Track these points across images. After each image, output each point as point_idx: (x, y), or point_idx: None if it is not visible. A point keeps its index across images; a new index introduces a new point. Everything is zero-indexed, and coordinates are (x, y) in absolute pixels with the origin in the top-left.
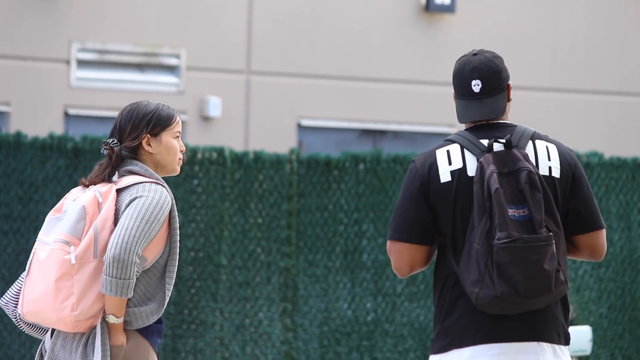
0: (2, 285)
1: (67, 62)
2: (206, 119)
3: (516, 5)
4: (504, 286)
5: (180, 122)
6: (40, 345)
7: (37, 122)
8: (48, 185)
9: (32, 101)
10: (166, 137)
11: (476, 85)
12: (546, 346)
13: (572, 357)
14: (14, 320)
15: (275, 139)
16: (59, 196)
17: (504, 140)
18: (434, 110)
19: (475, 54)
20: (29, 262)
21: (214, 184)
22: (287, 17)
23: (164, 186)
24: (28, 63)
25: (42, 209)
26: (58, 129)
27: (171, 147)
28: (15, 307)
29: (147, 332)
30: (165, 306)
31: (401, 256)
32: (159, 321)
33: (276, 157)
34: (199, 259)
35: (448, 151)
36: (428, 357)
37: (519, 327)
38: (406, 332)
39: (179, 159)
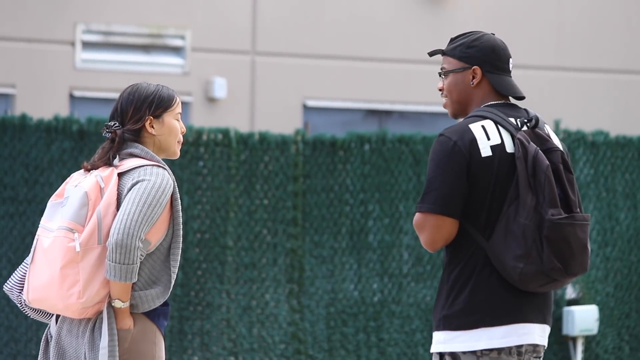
0: (8, 267)
1: (72, 44)
2: (211, 100)
3: None
4: (553, 262)
5: (180, 102)
6: (45, 331)
7: (43, 104)
8: (53, 168)
9: (37, 83)
10: (168, 118)
11: (511, 64)
12: (547, 328)
13: (579, 336)
14: (18, 305)
15: (281, 120)
16: (64, 178)
17: (532, 120)
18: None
19: (493, 34)
20: (32, 249)
21: (219, 166)
22: None
23: (165, 169)
24: (33, 45)
25: (48, 192)
26: (63, 111)
27: (173, 128)
28: (20, 292)
29: (153, 315)
30: (171, 289)
31: (438, 230)
32: (165, 303)
33: (282, 138)
34: (205, 240)
35: (483, 126)
36: None
37: (541, 309)
38: (413, 313)
39: (179, 141)
